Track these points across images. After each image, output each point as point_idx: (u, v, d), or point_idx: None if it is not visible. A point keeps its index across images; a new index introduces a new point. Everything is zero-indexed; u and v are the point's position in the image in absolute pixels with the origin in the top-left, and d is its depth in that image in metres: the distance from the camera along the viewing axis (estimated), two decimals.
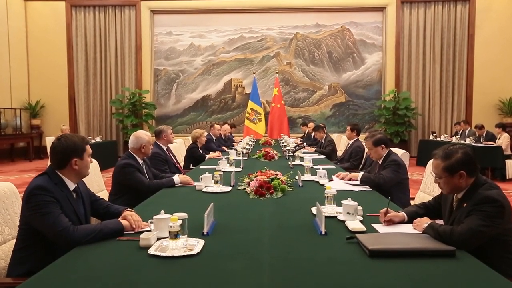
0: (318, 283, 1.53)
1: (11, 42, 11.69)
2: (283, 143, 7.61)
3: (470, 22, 11.99)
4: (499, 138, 9.06)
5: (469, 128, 10.48)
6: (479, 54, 11.99)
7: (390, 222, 2.26)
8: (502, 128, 9.21)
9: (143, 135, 3.66)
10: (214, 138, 7.94)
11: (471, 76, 12.08)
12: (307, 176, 3.90)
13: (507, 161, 8.35)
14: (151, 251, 1.81)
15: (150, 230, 2.06)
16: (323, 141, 7.58)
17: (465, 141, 8.79)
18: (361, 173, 3.63)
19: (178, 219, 1.87)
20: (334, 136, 9.28)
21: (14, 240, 2.19)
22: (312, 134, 9.11)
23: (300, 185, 3.48)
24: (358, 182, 3.57)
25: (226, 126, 9.83)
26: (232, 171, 3.77)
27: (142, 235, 1.93)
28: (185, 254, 1.78)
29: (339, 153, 7.46)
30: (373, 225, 2.25)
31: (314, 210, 2.54)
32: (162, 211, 2.09)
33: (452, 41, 12.14)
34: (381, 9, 12.31)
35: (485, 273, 1.62)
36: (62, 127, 9.93)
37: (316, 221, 2.29)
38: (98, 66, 12.55)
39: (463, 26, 12.07)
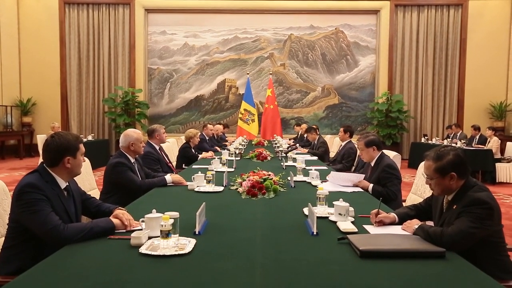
0: (309, 283, 1.54)
1: (2, 38, 11.57)
2: (276, 144, 7.62)
3: (463, 27, 12.11)
4: (489, 142, 9.16)
5: (460, 131, 10.57)
6: (471, 58, 12.11)
7: (381, 223, 2.28)
8: (495, 131, 9.35)
9: (132, 133, 3.63)
10: (207, 138, 7.93)
11: (463, 80, 12.20)
12: (300, 177, 3.91)
13: (497, 165, 8.45)
14: (142, 250, 1.80)
15: (141, 229, 2.05)
16: (315, 143, 7.60)
17: (456, 144, 8.87)
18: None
19: (170, 218, 1.87)
20: (327, 138, 9.32)
21: (3, 238, 2.17)
22: (305, 135, 9.14)
23: (292, 186, 3.49)
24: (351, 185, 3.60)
25: (219, 126, 9.83)
26: (224, 171, 3.77)
27: (133, 234, 1.92)
28: (176, 253, 1.78)
29: (332, 154, 7.50)
30: (364, 226, 2.27)
31: (306, 210, 2.55)
32: (154, 210, 2.08)
33: (445, 45, 12.24)
34: (375, 12, 12.38)
35: (474, 274, 1.63)
36: (52, 124, 9.83)
37: (308, 222, 2.29)
38: (91, 64, 12.47)
39: (456, 30, 12.19)
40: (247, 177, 3.29)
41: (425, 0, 12.16)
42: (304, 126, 10.47)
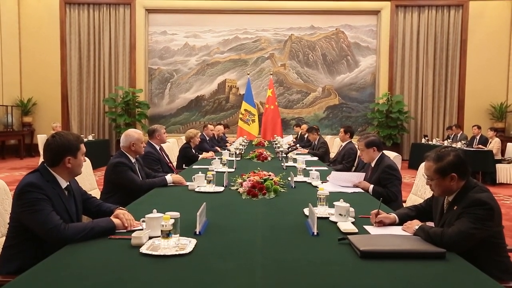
0: (309, 284, 1.54)
1: (3, 38, 11.57)
2: (276, 144, 7.62)
3: (463, 28, 12.10)
4: (490, 142, 9.16)
5: (461, 132, 10.56)
6: (471, 59, 12.11)
7: (381, 224, 2.28)
8: (496, 132, 9.33)
9: (133, 133, 3.64)
10: (208, 139, 7.93)
11: (463, 81, 12.20)
12: (300, 177, 3.91)
13: (498, 166, 8.44)
14: (143, 250, 1.81)
15: (142, 229, 2.05)
16: (316, 143, 7.60)
17: (456, 145, 8.86)
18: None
19: (170, 218, 1.87)
20: (327, 138, 9.32)
21: (4, 238, 2.17)
22: (305, 136, 9.14)
23: (293, 186, 3.49)
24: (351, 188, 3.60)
25: (220, 127, 9.83)
26: (225, 172, 3.77)
27: (134, 234, 1.92)
28: (177, 253, 1.78)
29: (332, 155, 7.49)
30: (364, 226, 2.27)
31: (306, 211, 2.55)
32: (154, 210, 2.09)
33: (445, 46, 12.24)
34: (376, 12, 12.38)
35: (474, 275, 1.64)
36: (53, 124, 9.83)
37: (308, 222, 2.29)
38: (92, 64, 12.47)
39: (456, 31, 12.19)
40: (248, 177, 3.29)
41: (426, 1, 12.16)
42: (304, 126, 10.47)
